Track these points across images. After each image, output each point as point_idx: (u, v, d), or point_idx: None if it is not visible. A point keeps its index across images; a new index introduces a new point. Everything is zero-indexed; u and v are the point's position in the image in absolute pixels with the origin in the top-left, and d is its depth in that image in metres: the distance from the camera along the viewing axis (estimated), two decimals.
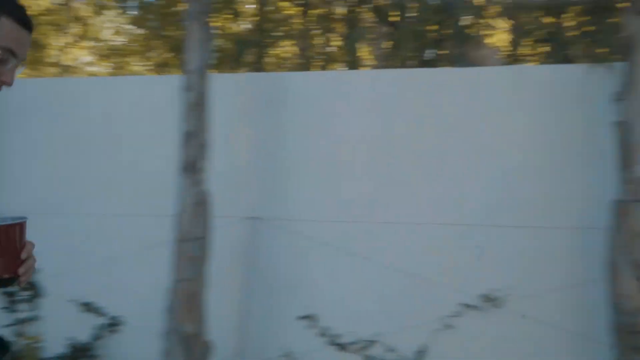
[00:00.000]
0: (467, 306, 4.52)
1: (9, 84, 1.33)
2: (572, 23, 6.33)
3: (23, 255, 1.33)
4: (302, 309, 4.76)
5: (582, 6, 5.65)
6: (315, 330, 4.73)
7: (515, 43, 7.05)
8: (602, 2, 5.40)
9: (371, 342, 4.65)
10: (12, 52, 1.31)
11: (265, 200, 4.90)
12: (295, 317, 4.75)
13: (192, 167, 4.28)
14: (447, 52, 6.48)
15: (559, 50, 5.40)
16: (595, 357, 4.16)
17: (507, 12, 6.37)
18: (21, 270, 1.33)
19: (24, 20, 1.33)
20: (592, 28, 5.31)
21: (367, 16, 7.00)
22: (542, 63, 6.54)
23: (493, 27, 6.81)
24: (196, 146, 4.28)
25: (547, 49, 6.35)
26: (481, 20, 6.39)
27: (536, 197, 4.48)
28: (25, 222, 1.32)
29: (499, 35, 7.14)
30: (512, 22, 6.87)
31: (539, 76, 4.63)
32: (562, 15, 6.55)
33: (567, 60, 5.40)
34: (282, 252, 4.85)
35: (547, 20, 6.49)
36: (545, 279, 4.44)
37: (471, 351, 4.52)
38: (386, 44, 6.55)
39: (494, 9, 6.33)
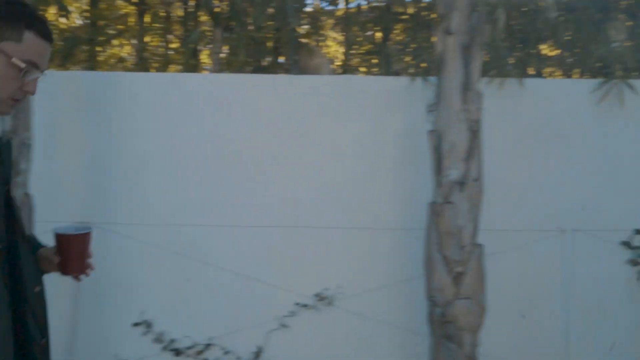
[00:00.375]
0: (301, 306, 4.68)
1: (32, 94, 1.43)
2: (399, 38, 6.80)
3: (90, 258, 1.64)
4: (136, 315, 4.64)
5: (406, 23, 6.08)
6: (150, 336, 4.63)
7: (347, 54, 7.41)
8: (424, 20, 5.85)
9: (207, 346, 4.65)
10: (35, 65, 1.39)
11: (96, 204, 4.70)
12: (129, 324, 4.62)
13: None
14: (283, 59, 6.65)
15: (386, 63, 5.77)
16: (417, 348, 4.47)
17: (340, 25, 6.68)
18: (88, 270, 1.64)
19: (46, 34, 1.41)
20: (414, 44, 5.73)
21: (205, 20, 6.97)
22: (371, 74, 6.94)
23: (328, 38, 7.10)
24: (15, 146, 4.00)
25: (376, 61, 6.75)
26: (316, 31, 6.65)
27: (362, 200, 4.75)
28: (92, 230, 1.64)
29: (334, 46, 7.47)
30: (344, 34, 7.21)
31: (366, 86, 4.90)
32: (391, 31, 7.01)
33: (393, 72, 5.77)
34: (114, 257, 4.68)
35: (377, 34, 6.91)
36: (372, 277, 4.71)
37: (306, 349, 4.68)
38: (224, 49, 6.57)
39: (328, 21, 6.61)
